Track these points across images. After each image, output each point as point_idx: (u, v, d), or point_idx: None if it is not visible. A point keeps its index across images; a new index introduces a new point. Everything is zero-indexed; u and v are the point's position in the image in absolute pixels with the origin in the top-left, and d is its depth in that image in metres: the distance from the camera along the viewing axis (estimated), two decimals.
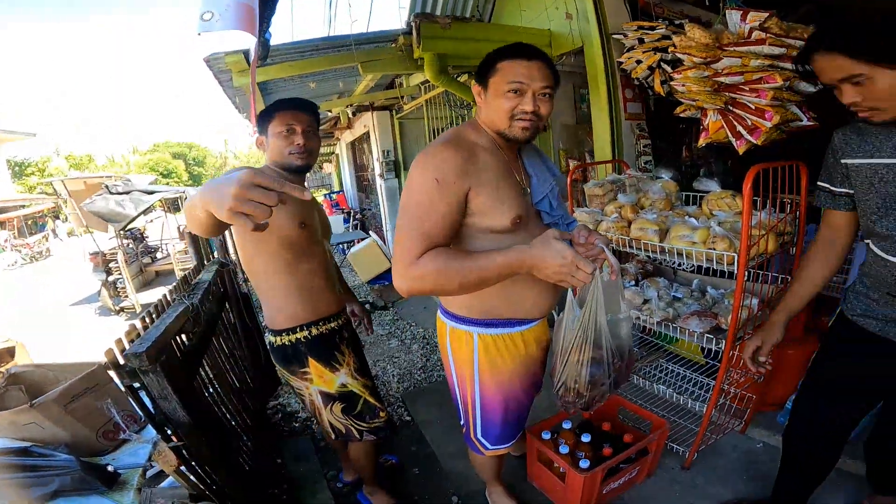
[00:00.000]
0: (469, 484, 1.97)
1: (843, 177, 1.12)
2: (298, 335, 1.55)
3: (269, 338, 1.61)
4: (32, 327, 5.86)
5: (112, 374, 1.51)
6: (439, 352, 1.73)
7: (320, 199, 10.16)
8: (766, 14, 1.86)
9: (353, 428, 1.62)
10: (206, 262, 3.04)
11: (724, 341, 1.65)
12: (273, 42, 2.65)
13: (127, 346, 1.49)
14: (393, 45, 2.91)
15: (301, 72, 2.98)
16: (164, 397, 1.37)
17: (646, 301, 1.99)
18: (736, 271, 1.55)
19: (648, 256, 1.86)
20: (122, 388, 1.46)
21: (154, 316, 1.88)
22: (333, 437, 1.65)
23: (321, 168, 13.39)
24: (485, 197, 1.11)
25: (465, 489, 1.95)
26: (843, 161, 1.09)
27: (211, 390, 1.98)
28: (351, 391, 1.60)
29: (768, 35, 1.84)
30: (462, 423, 1.51)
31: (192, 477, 1.48)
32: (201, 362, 1.90)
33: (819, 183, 1.21)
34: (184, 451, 1.43)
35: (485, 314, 1.29)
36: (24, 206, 17.33)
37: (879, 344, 1.13)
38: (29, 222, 18.06)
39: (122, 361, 1.40)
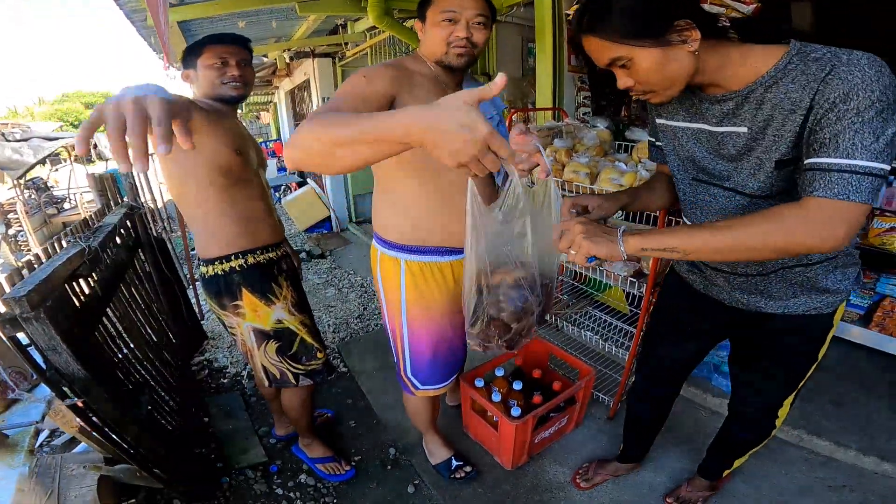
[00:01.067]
0: (407, 436, 1.96)
1: (657, 133, 1.10)
2: (233, 263, 1.44)
3: (200, 269, 1.49)
4: None
5: None
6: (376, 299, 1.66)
7: None
8: None
9: (288, 371, 1.54)
10: (113, 205, 2.75)
11: (644, 286, 1.71)
12: None
13: (7, 290, 1.30)
14: None
15: (229, 10, 2.66)
16: (52, 349, 1.22)
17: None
18: (658, 214, 1.58)
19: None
20: (5, 341, 1.28)
21: (42, 260, 1.66)
22: (267, 383, 1.57)
23: (258, 118, 12.55)
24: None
25: (403, 441, 1.95)
26: (656, 119, 1.07)
27: (119, 343, 1.80)
28: (287, 328, 1.51)
29: None
30: (394, 360, 1.50)
31: (101, 438, 1.35)
32: (104, 312, 1.70)
33: (648, 137, 1.19)
34: (86, 411, 1.29)
35: (414, 240, 1.27)
36: None
37: (699, 297, 1.18)
38: None
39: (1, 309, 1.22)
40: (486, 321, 1.03)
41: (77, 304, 1.48)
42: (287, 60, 5.18)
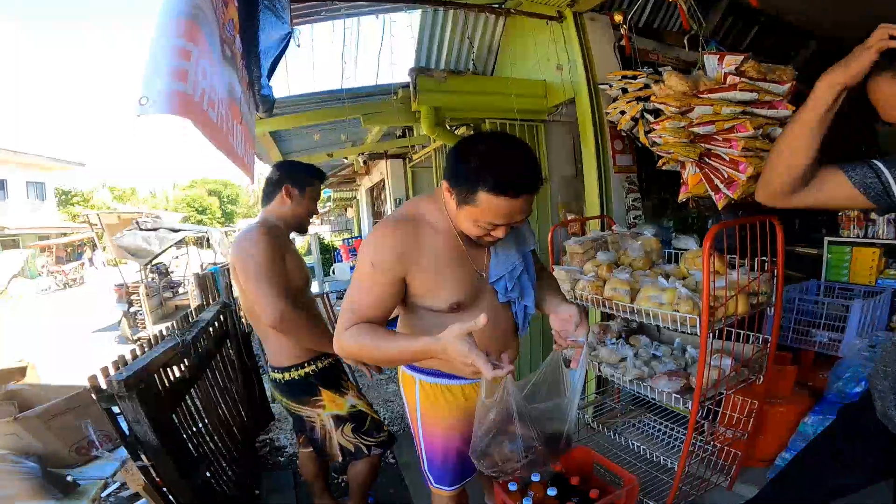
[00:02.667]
0: None
1: None
2: (307, 369, 1.74)
3: (273, 375, 1.77)
4: (53, 350, 6.12)
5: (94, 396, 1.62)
6: None
7: (339, 244, 10.44)
8: (742, 57, 1.83)
9: (362, 445, 1.78)
10: (210, 301, 3.20)
11: (691, 402, 1.62)
12: (281, 95, 2.90)
13: (113, 374, 1.60)
14: (394, 98, 3.09)
15: (307, 123, 3.18)
16: (136, 421, 1.52)
17: (622, 359, 1.97)
18: (698, 333, 1.53)
19: (622, 316, 1.86)
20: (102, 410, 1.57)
21: (146, 348, 2.00)
22: (341, 458, 1.78)
23: (345, 212, 13.83)
24: (420, 282, 1.15)
25: None
26: None
27: (196, 418, 2.08)
28: (360, 410, 1.81)
29: (741, 80, 1.81)
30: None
31: (159, 497, 1.60)
32: (188, 393, 2.03)
33: (879, 164, 0.97)
34: (151, 472, 1.56)
35: (426, 365, 1.34)
36: (65, 235, 18.34)
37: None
38: (68, 250, 18.99)
39: (104, 387, 1.51)
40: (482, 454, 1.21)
41: (166, 385, 1.81)
42: (361, 163, 5.82)
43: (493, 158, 1.02)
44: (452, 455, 1.44)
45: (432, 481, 1.52)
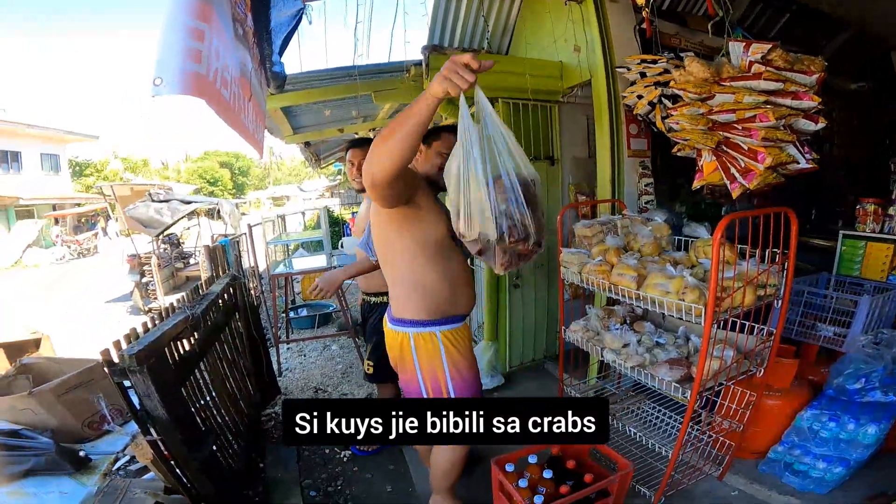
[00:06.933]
0: None
1: None
2: None
3: None
4: (67, 320, 6.27)
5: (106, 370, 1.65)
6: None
7: (348, 217, 10.46)
8: (769, 45, 1.79)
9: None
10: (220, 273, 3.23)
11: (689, 391, 1.63)
12: (293, 71, 2.88)
13: (124, 347, 1.62)
14: (407, 76, 3.05)
15: (319, 99, 3.16)
16: (147, 395, 1.53)
17: (625, 345, 1.98)
18: (703, 323, 1.53)
19: (627, 303, 1.85)
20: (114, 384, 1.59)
21: (157, 321, 2.03)
22: None
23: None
24: (424, 203, 1.53)
25: None
26: None
27: (204, 391, 2.10)
28: None
29: (767, 69, 1.78)
30: None
31: (167, 470, 1.62)
32: (197, 366, 2.05)
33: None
34: (160, 446, 1.57)
35: (442, 314, 1.59)
36: (78, 205, 18.55)
37: None
38: (82, 220, 19.22)
39: (116, 360, 1.53)
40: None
41: (176, 359, 1.82)
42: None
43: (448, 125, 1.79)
44: (477, 385, 1.70)
45: None
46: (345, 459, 2.48)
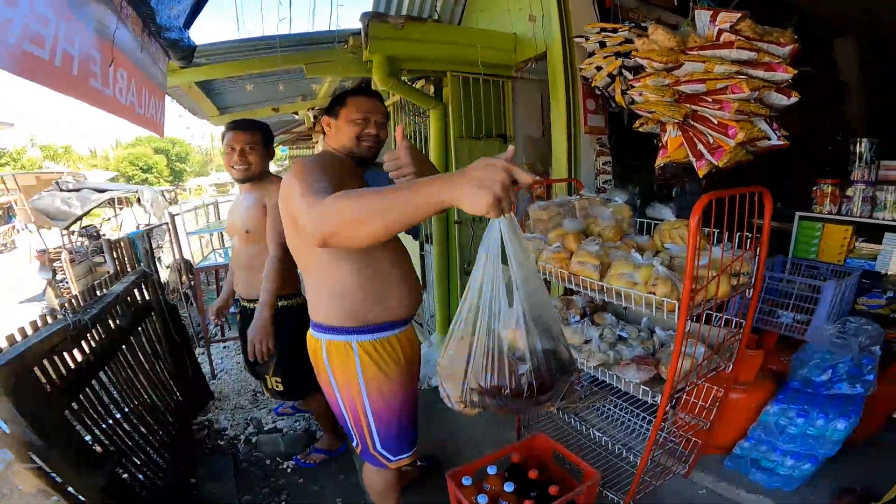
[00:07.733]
0: None
1: None
2: None
3: None
4: None
5: None
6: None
7: None
8: (739, 14, 1.67)
9: None
10: (127, 270, 2.81)
11: (660, 395, 1.44)
12: (210, 41, 2.50)
13: None
14: (345, 47, 2.70)
15: (243, 72, 2.76)
16: (12, 420, 1.32)
17: (587, 341, 1.78)
18: (676, 320, 1.33)
19: (590, 294, 1.64)
20: None
21: (30, 331, 1.66)
22: None
23: None
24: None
25: None
26: None
27: (108, 406, 1.88)
28: None
29: (738, 38, 1.65)
30: (355, 443, 1.44)
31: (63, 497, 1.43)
32: (95, 378, 1.83)
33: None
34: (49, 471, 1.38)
35: (360, 321, 1.30)
36: None
37: None
38: None
39: None
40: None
41: (54, 376, 1.57)
42: (312, 119, 5.37)
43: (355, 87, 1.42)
44: (406, 413, 1.40)
45: (390, 456, 1.41)
46: (288, 471, 2.23)
